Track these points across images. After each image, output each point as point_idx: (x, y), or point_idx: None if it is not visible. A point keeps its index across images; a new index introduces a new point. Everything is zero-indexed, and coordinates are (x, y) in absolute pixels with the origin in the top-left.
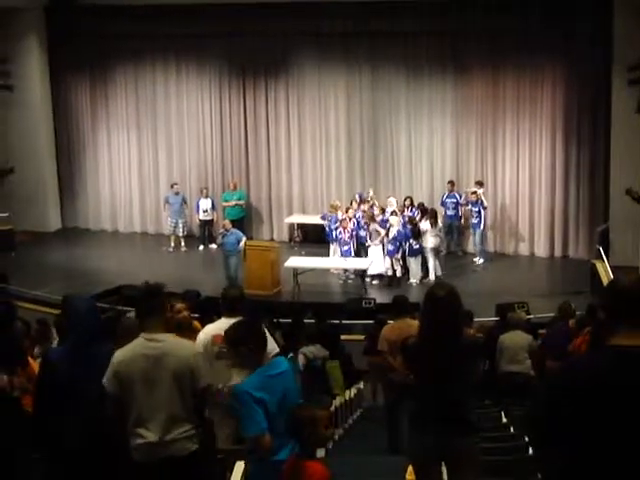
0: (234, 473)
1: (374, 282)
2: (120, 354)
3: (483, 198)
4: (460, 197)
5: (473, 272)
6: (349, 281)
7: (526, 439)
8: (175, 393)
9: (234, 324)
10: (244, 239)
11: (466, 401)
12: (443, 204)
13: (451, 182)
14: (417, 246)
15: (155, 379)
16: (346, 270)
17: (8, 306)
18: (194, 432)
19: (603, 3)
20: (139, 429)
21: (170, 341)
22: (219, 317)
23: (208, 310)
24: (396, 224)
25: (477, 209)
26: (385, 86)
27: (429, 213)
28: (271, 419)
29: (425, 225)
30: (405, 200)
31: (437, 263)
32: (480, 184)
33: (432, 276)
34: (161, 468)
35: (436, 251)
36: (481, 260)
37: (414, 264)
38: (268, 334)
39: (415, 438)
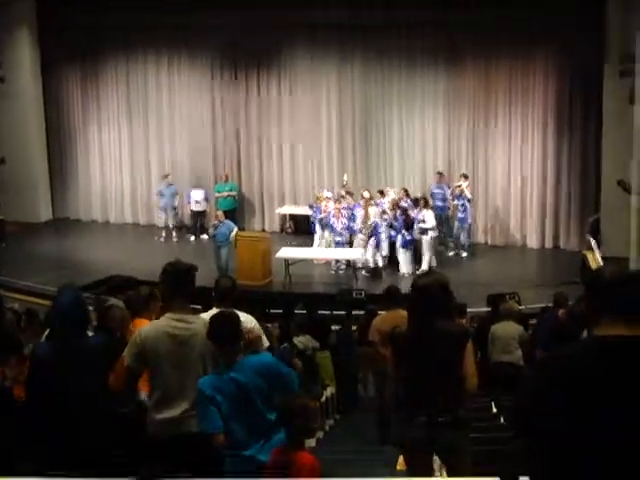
0: None
1: (359, 272)
2: (147, 331)
3: (467, 191)
4: (448, 188)
5: (464, 263)
6: (340, 272)
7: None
8: (201, 372)
9: (211, 317)
10: (235, 229)
11: (455, 392)
12: (432, 195)
13: (439, 173)
14: (409, 237)
15: (182, 359)
16: (337, 261)
17: None
18: None
19: None
20: (162, 406)
21: (199, 322)
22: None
23: (199, 301)
24: (373, 215)
25: (462, 202)
26: (377, 77)
27: (429, 204)
28: (226, 419)
29: (428, 216)
30: (400, 191)
31: (429, 254)
32: (465, 177)
33: (425, 266)
34: (178, 443)
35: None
36: (464, 254)
37: (405, 255)
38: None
39: (404, 429)
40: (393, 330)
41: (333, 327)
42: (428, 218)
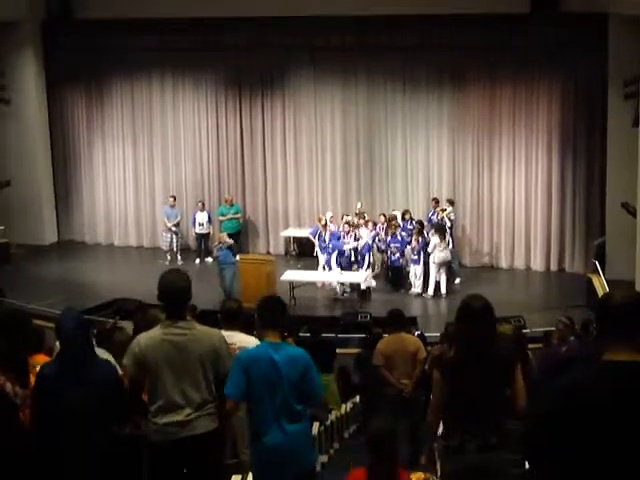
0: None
1: (345, 294)
2: (145, 340)
3: (447, 217)
4: (433, 213)
5: (468, 286)
6: (345, 294)
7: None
8: (201, 378)
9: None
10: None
11: (505, 414)
12: (429, 221)
13: (435, 199)
14: (415, 257)
15: (182, 365)
16: (342, 284)
17: (22, 313)
18: (214, 410)
19: (599, 18)
20: (163, 412)
21: (197, 329)
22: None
23: (204, 323)
24: (365, 236)
25: (444, 229)
26: (381, 100)
27: (436, 227)
28: (255, 393)
29: (434, 239)
30: (404, 214)
31: (443, 277)
32: (451, 202)
33: (443, 289)
34: (181, 447)
35: (444, 266)
36: (458, 279)
37: (412, 275)
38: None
39: (456, 456)
40: (442, 354)
41: (350, 350)
42: (434, 241)
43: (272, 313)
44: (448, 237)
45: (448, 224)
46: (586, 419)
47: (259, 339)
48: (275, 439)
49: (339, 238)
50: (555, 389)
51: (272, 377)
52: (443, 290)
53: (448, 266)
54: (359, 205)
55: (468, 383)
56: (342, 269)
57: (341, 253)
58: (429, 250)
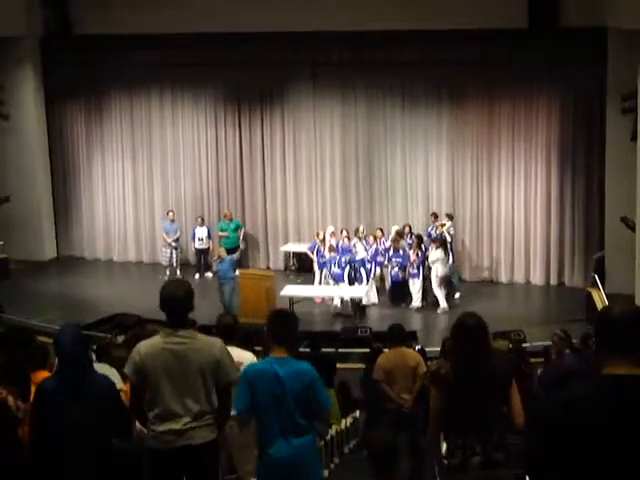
0: None
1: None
2: (145, 348)
3: (446, 232)
4: (432, 228)
5: (468, 300)
6: (347, 310)
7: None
8: (200, 388)
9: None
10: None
11: (504, 430)
12: (429, 236)
13: (434, 214)
14: (415, 271)
15: (181, 374)
16: (342, 298)
17: (25, 330)
18: (213, 421)
19: (597, 32)
20: (163, 420)
21: (198, 338)
22: None
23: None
24: (361, 250)
25: (444, 243)
26: (380, 115)
27: (438, 241)
28: (261, 407)
29: (435, 254)
30: (404, 228)
31: (443, 292)
32: (450, 217)
33: (443, 304)
34: (178, 456)
35: (445, 280)
36: (457, 294)
37: (412, 289)
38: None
39: (459, 474)
40: (437, 371)
41: (351, 365)
42: (432, 255)
43: (280, 328)
44: (449, 251)
45: (448, 239)
46: (585, 433)
47: (267, 353)
48: (281, 452)
49: (350, 251)
50: (554, 403)
51: (276, 391)
52: (443, 304)
53: (448, 281)
54: (361, 228)
55: (463, 399)
56: (350, 283)
57: (351, 265)
58: (430, 264)
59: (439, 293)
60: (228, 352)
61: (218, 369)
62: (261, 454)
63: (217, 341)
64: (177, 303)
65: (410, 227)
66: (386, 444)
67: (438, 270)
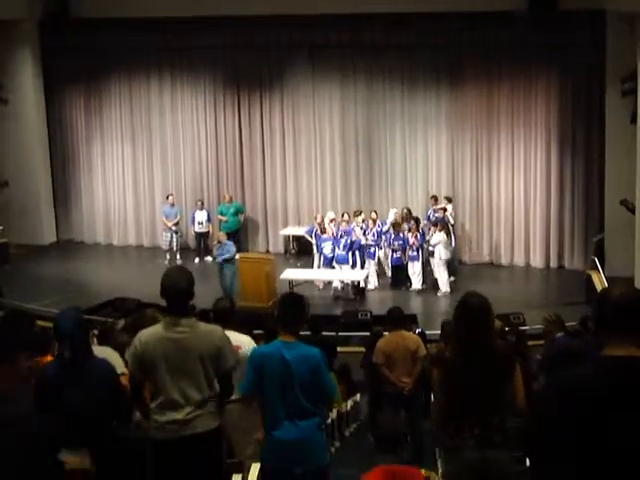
0: (250, 474)
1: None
2: (146, 336)
3: (449, 215)
4: (432, 211)
5: (468, 283)
6: (349, 294)
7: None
8: (202, 375)
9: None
10: (234, 249)
11: (505, 412)
12: (428, 219)
13: (434, 197)
14: (414, 253)
15: (182, 362)
16: (342, 281)
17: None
18: (215, 409)
19: (596, 15)
20: (165, 409)
21: (197, 326)
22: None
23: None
24: (358, 233)
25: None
26: (380, 99)
27: (439, 225)
28: (267, 391)
29: (438, 237)
30: (403, 210)
31: (445, 275)
32: (449, 200)
33: (445, 288)
34: (182, 445)
35: (447, 263)
36: (452, 277)
37: (412, 272)
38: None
39: (455, 455)
40: (439, 353)
41: (351, 349)
42: (434, 238)
43: (288, 312)
44: (451, 234)
45: (451, 221)
46: (585, 415)
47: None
48: (287, 434)
49: (351, 233)
50: (554, 385)
51: (283, 376)
52: (445, 288)
53: (449, 264)
54: (361, 217)
55: (466, 382)
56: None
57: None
58: (432, 247)
59: (441, 276)
60: (228, 339)
61: (219, 357)
62: (266, 436)
63: (217, 329)
64: (179, 293)
65: (409, 210)
66: (393, 428)
67: (441, 253)
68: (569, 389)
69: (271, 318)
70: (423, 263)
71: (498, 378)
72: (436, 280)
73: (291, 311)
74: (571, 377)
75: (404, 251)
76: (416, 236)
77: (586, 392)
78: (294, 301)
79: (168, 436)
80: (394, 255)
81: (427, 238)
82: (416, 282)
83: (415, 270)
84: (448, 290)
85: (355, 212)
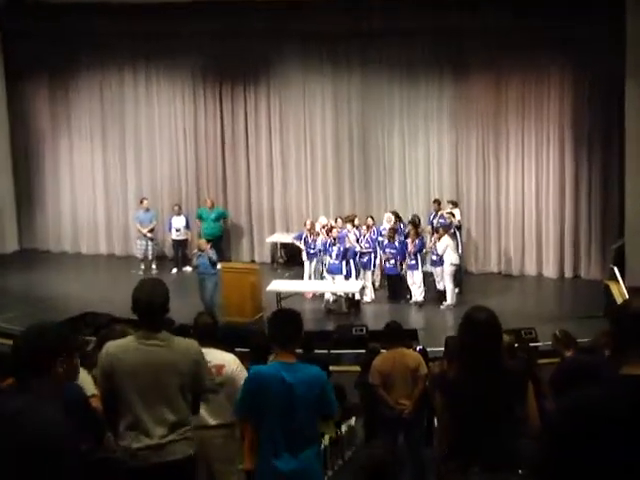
0: None
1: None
2: (112, 348)
3: (454, 220)
4: (435, 216)
5: (475, 295)
6: (343, 307)
7: None
8: (177, 396)
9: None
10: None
11: (513, 437)
12: (431, 224)
13: (437, 201)
14: (413, 261)
15: (155, 379)
16: (334, 294)
17: None
18: (192, 434)
19: (615, 1)
20: (135, 432)
21: (172, 339)
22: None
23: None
24: (352, 240)
25: (452, 231)
26: (376, 92)
27: (442, 230)
28: (267, 417)
29: (444, 241)
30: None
31: (453, 285)
32: (454, 204)
33: (450, 299)
34: (155, 474)
35: (457, 269)
36: (456, 289)
37: (412, 282)
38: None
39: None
40: (442, 373)
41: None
42: (440, 244)
43: (286, 329)
44: (458, 241)
45: (459, 225)
46: (602, 437)
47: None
48: (288, 465)
49: (343, 240)
50: (565, 410)
51: (284, 400)
52: (451, 299)
53: (456, 272)
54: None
55: (473, 404)
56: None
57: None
58: (439, 253)
59: (449, 286)
60: (204, 356)
61: (195, 375)
62: (262, 464)
63: (194, 343)
64: (153, 308)
65: (397, 214)
66: (375, 462)
67: (451, 257)
68: (584, 412)
69: (257, 334)
70: (424, 272)
71: (508, 400)
72: (439, 291)
73: (289, 328)
74: (586, 398)
75: (399, 260)
76: (414, 241)
77: (603, 413)
78: (291, 317)
79: (139, 464)
80: (386, 264)
81: (429, 245)
82: (417, 294)
83: (415, 280)
84: (453, 302)
85: (347, 217)
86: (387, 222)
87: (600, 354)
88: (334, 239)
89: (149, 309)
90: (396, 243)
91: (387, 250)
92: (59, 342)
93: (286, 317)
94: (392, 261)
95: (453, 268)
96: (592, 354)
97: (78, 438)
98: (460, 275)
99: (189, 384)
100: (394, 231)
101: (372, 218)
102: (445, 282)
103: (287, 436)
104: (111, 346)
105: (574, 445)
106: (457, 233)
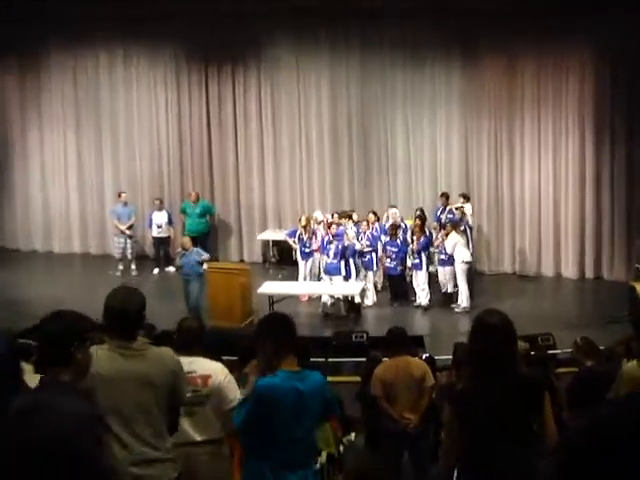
0: None
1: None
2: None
3: (469, 215)
4: (442, 211)
5: (487, 298)
6: (341, 311)
7: None
8: (153, 408)
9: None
10: (204, 256)
11: (529, 453)
12: (438, 220)
13: (445, 195)
14: (417, 260)
15: (129, 391)
16: (332, 296)
17: None
18: (175, 455)
19: None
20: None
21: (149, 348)
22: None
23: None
24: (351, 237)
25: (462, 228)
26: (378, 76)
27: (450, 226)
28: (277, 432)
29: (453, 238)
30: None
31: (466, 287)
32: (466, 198)
33: (465, 301)
34: None
35: (470, 268)
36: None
37: (417, 282)
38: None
39: None
40: (450, 383)
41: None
42: (449, 242)
43: (286, 334)
44: (468, 238)
45: (470, 223)
46: (619, 454)
47: (266, 370)
48: None
49: (341, 237)
50: (586, 422)
51: (296, 411)
52: (465, 302)
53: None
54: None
55: (485, 415)
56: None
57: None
58: (448, 252)
59: (463, 286)
60: (182, 367)
61: (174, 385)
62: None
63: (169, 352)
64: (129, 318)
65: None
66: (361, 470)
67: (462, 255)
68: (601, 426)
69: (246, 340)
70: (429, 272)
71: (523, 411)
72: (447, 293)
73: (289, 333)
74: (603, 413)
75: (401, 259)
76: (418, 238)
77: (620, 430)
78: (286, 321)
79: None
80: (387, 264)
81: (436, 244)
82: (422, 296)
83: (420, 281)
84: (468, 305)
85: (342, 212)
86: (392, 218)
87: (617, 363)
88: (333, 236)
89: (123, 318)
90: (398, 241)
91: (388, 248)
92: (72, 327)
93: (282, 321)
94: (393, 261)
95: (466, 266)
96: (610, 363)
97: (97, 436)
98: (471, 275)
99: (166, 397)
100: (396, 227)
101: (374, 214)
102: (458, 282)
103: (292, 454)
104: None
105: (591, 461)
106: (468, 230)
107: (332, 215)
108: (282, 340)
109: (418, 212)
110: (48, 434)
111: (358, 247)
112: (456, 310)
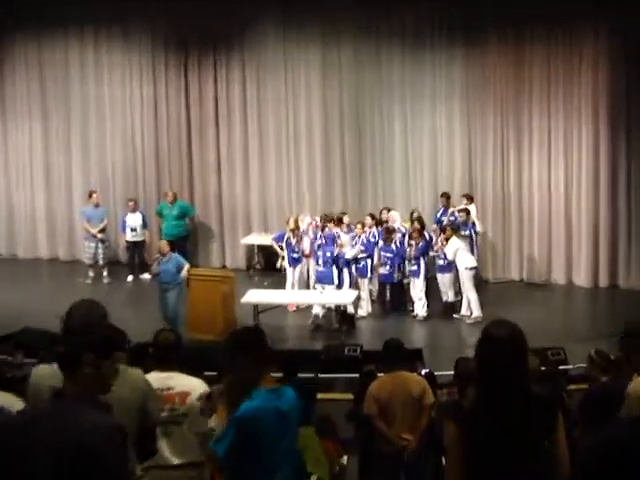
0: None
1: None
2: (41, 371)
3: (475, 218)
4: (443, 212)
5: (494, 307)
6: (333, 322)
7: None
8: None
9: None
10: (187, 266)
11: (541, 476)
12: (438, 222)
13: (446, 195)
14: (414, 267)
15: None
16: (324, 306)
17: None
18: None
19: None
20: None
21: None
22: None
23: (140, 361)
24: (346, 244)
25: (467, 232)
26: (373, 63)
27: (450, 230)
28: (263, 456)
29: (453, 243)
30: (381, 212)
31: (475, 293)
32: (470, 199)
33: (476, 311)
34: None
35: (474, 272)
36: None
37: (415, 291)
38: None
39: None
40: (453, 401)
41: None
42: (449, 248)
43: (263, 346)
44: (474, 244)
45: (478, 227)
46: (631, 474)
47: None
48: None
49: (333, 241)
50: (598, 443)
51: (280, 433)
52: (477, 311)
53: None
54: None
55: (494, 440)
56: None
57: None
58: (449, 258)
59: (472, 295)
60: (152, 386)
61: (145, 406)
62: None
63: (138, 371)
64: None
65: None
66: None
67: (465, 261)
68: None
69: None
70: (427, 279)
71: (535, 432)
72: (447, 303)
73: (266, 346)
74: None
75: (398, 265)
76: (417, 242)
77: (632, 451)
78: (261, 334)
79: None
80: (384, 271)
81: (435, 248)
82: (418, 307)
83: (417, 289)
84: (480, 315)
85: (326, 216)
86: (392, 222)
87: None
88: (324, 238)
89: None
90: (393, 246)
91: (382, 254)
92: (87, 334)
93: (256, 333)
94: (388, 267)
95: (471, 272)
96: (621, 378)
97: (118, 448)
98: (478, 282)
99: (137, 419)
100: (391, 231)
101: (373, 217)
102: (465, 290)
103: (273, 472)
104: (40, 369)
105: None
106: (473, 235)
107: (321, 218)
108: (260, 355)
109: (416, 214)
110: (70, 444)
111: (349, 256)
112: (467, 321)
